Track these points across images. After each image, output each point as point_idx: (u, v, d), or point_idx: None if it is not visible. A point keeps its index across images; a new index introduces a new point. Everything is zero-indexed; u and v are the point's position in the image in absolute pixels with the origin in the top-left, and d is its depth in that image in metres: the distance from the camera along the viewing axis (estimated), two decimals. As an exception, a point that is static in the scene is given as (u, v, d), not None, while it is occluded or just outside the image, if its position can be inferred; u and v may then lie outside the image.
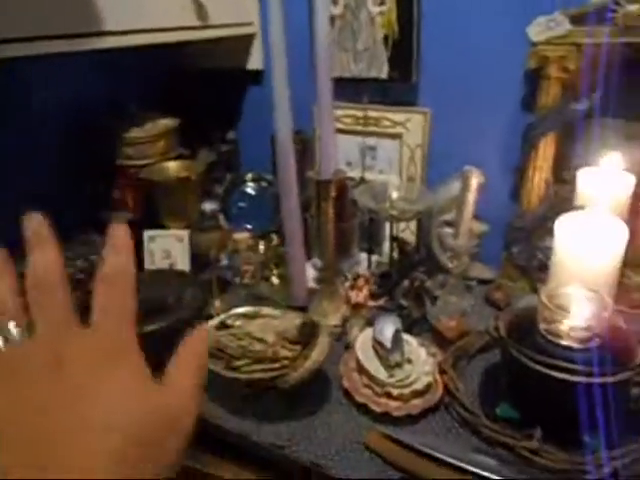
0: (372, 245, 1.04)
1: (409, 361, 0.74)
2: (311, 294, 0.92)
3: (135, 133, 1.00)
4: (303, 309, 0.82)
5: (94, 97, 1.06)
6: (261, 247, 1.04)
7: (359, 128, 1.10)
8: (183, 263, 0.98)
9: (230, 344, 0.71)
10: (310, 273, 1.06)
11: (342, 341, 0.83)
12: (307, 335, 0.71)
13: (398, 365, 0.72)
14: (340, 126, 1.13)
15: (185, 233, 0.98)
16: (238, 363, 0.70)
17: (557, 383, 0.59)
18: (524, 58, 0.86)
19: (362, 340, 0.78)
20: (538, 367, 0.61)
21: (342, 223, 0.96)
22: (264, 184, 1.05)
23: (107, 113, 1.04)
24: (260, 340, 0.71)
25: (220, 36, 1.03)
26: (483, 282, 0.97)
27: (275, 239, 1.04)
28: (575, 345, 0.62)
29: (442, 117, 1.02)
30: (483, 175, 0.82)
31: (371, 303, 0.85)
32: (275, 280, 1.06)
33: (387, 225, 1.08)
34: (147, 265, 0.98)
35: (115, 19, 0.79)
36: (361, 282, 0.83)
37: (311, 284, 1.03)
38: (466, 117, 1.00)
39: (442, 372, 0.74)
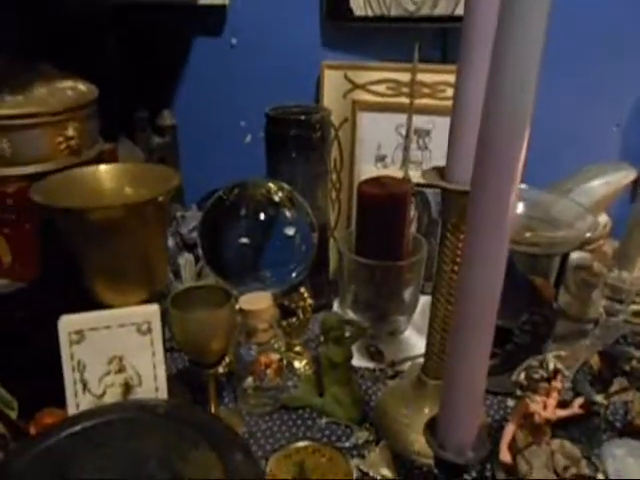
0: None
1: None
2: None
3: (9, 108, 0.45)
4: None
5: None
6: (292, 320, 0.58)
7: (400, 100, 0.69)
8: (158, 383, 0.46)
9: None
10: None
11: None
12: None
13: None
14: (370, 97, 0.70)
15: (154, 312, 0.47)
16: None
17: None
18: None
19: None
20: None
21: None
22: (281, 203, 0.57)
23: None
24: None
25: None
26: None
27: (307, 296, 0.58)
28: None
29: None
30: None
31: (561, 413, 0.46)
32: (303, 368, 0.60)
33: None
34: (70, 399, 0.44)
35: None
36: (557, 383, 0.43)
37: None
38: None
39: None
